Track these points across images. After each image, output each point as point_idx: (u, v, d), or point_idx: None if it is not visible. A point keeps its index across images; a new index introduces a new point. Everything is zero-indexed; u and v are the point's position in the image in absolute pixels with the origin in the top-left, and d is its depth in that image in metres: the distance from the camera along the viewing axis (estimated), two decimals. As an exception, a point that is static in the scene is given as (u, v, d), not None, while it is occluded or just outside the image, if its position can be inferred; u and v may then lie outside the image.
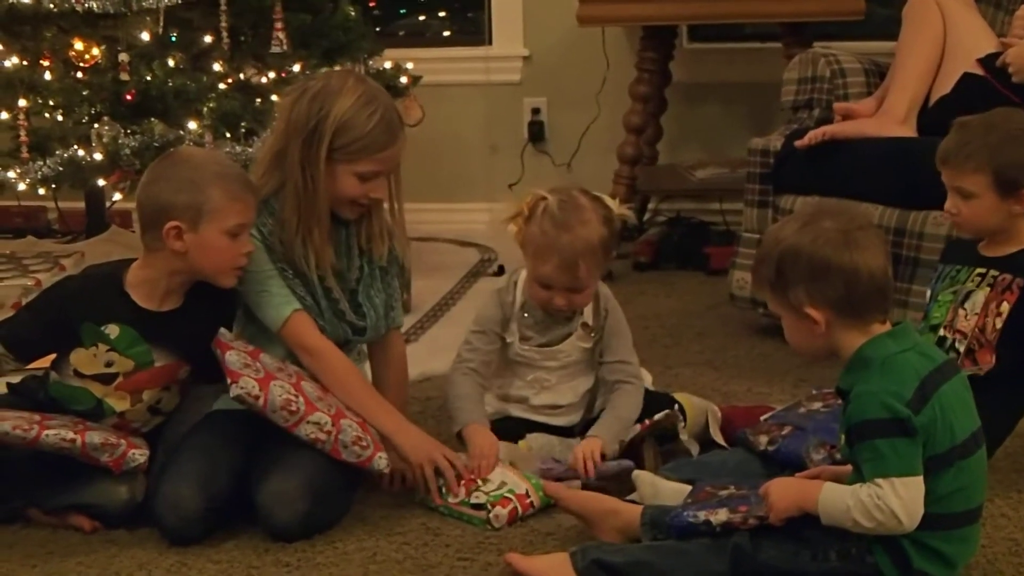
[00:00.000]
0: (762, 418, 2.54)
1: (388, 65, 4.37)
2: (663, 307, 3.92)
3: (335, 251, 2.53)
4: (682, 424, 2.57)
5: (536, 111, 5.10)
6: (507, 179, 5.03)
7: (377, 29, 4.89)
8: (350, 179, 2.47)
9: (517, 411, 2.65)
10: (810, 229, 1.98)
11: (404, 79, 4.37)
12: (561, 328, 2.64)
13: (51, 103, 3.85)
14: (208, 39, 3.91)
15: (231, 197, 2.36)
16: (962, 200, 2.45)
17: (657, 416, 2.54)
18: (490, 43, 5.13)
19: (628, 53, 4.79)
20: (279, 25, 3.89)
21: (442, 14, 5.49)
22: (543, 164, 5.09)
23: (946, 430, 1.93)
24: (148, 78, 3.73)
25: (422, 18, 5.57)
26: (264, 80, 3.98)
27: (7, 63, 3.78)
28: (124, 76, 3.70)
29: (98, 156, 3.65)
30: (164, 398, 2.48)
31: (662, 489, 2.29)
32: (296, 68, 3.98)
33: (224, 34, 3.86)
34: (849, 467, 1.99)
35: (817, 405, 2.49)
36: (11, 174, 3.71)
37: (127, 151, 3.62)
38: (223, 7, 3.83)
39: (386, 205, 2.58)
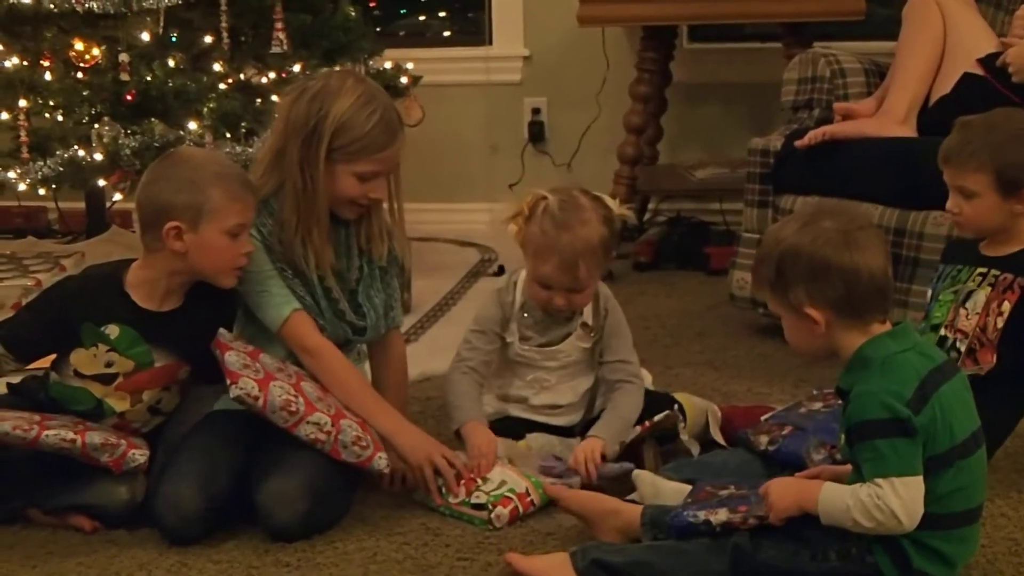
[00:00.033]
0: (762, 418, 2.54)
1: (388, 65, 4.37)
2: (663, 307, 3.92)
3: (335, 251, 2.53)
4: (682, 424, 2.57)
5: (536, 111, 5.11)
6: (507, 179, 5.04)
7: (377, 29, 4.90)
8: (349, 179, 2.46)
9: (517, 411, 2.65)
10: (810, 229, 1.98)
11: (404, 79, 4.37)
12: (561, 328, 2.64)
13: (51, 103, 3.84)
14: (208, 39, 3.91)
15: (231, 197, 2.36)
16: (964, 199, 2.46)
17: (657, 417, 2.53)
18: (490, 43, 5.14)
19: (628, 53, 4.79)
20: (279, 25, 3.89)
21: (442, 14, 5.49)
22: (543, 164, 5.09)
23: (946, 430, 1.93)
24: (148, 78, 3.73)
25: (422, 18, 5.57)
26: (264, 80, 3.98)
27: (7, 63, 3.78)
28: (124, 76, 3.69)
29: (98, 156, 3.65)
30: (164, 398, 2.48)
31: (662, 489, 2.29)
32: (296, 68, 3.98)
33: (224, 34, 3.86)
34: (849, 467, 1.99)
35: (817, 405, 2.49)
36: (11, 174, 3.71)
37: (127, 151, 3.62)
38: (223, 7, 3.83)
39: (386, 205, 2.57)
